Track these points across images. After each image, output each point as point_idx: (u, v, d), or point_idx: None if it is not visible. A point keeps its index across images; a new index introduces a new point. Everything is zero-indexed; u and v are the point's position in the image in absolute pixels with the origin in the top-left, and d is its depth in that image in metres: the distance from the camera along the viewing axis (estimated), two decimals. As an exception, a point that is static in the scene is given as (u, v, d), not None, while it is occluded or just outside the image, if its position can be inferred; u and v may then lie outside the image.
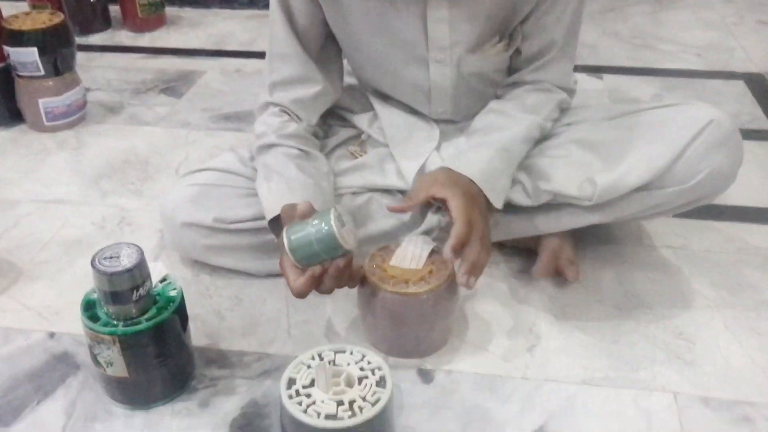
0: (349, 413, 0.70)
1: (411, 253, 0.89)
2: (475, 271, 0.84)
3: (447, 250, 0.83)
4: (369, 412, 0.70)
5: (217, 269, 1.05)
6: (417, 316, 0.86)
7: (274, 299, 1.02)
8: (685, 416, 0.84)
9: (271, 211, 0.89)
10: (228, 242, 0.99)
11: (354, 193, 1.03)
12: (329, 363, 0.76)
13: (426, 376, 0.91)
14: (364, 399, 0.72)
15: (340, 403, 0.71)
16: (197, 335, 0.94)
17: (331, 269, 0.80)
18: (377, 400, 0.72)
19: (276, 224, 0.89)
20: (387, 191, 1.04)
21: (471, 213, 0.85)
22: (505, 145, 0.94)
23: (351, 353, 0.77)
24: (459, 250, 0.83)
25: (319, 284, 0.81)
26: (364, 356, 0.77)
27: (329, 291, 0.83)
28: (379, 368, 0.76)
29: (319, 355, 0.77)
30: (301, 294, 0.81)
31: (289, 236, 0.78)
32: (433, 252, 0.89)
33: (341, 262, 0.80)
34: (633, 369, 0.91)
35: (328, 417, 0.70)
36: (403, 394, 0.87)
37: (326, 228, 0.76)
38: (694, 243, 1.13)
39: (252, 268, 1.03)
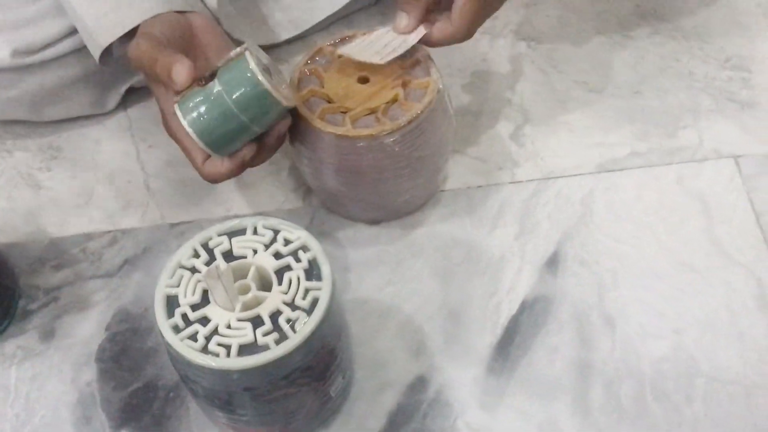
0: (275, 335, 0.46)
1: (382, 42, 0.60)
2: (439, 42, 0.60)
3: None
4: (306, 327, 0.46)
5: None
6: (370, 169, 0.60)
7: (113, 136, 0.73)
8: (754, 188, 0.65)
9: (102, 34, 0.60)
10: (46, 82, 0.69)
11: None
12: (224, 257, 0.50)
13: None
14: (292, 305, 0.48)
15: (257, 321, 0.47)
16: (4, 224, 0.69)
17: (272, 141, 0.56)
18: (314, 302, 0.47)
19: (109, 53, 0.62)
20: None
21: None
22: None
23: (255, 231, 0.51)
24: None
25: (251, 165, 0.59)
26: (276, 232, 0.50)
27: (261, 163, 0.60)
28: (305, 247, 0.50)
29: (205, 247, 0.50)
30: (218, 181, 0.58)
31: (189, 113, 0.54)
32: (417, 63, 0.60)
33: (284, 127, 0.56)
34: (669, 132, 0.69)
35: (243, 349, 0.46)
36: (345, 251, 0.63)
37: (248, 81, 0.52)
38: None
39: (93, 106, 0.73)
